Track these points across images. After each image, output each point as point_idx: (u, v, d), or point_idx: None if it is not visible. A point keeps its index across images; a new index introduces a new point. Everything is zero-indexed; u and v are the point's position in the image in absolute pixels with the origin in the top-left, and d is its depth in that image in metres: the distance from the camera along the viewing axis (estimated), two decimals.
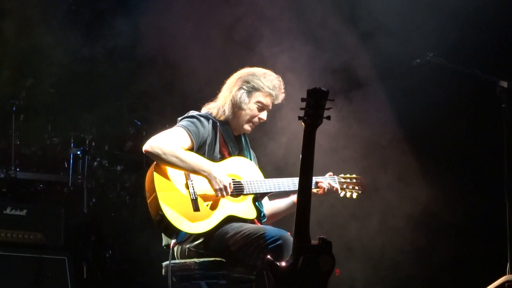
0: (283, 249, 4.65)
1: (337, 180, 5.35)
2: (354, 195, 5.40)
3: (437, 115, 7.46)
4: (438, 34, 7.25)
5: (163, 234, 4.96)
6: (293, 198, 5.20)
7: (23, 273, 6.82)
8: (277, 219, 5.32)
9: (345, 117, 7.18)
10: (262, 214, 5.07)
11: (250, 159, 5.21)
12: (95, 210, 7.90)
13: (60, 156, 8.00)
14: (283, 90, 5.16)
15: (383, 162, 7.28)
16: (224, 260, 4.84)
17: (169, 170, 4.87)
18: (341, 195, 5.39)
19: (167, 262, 4.93)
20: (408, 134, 7.49)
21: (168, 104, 7.65)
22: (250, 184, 5.03)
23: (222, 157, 5.08)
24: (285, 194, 5.21)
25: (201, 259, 4.88)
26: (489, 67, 6.14)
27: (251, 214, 5.00)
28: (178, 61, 7.59)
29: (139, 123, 8.25)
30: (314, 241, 4.38)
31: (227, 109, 5.11)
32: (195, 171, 4.87)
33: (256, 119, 5.14)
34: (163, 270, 5.01)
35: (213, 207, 4.89)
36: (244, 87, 5.10)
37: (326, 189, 5.23)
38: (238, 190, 4.99)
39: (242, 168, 5.10)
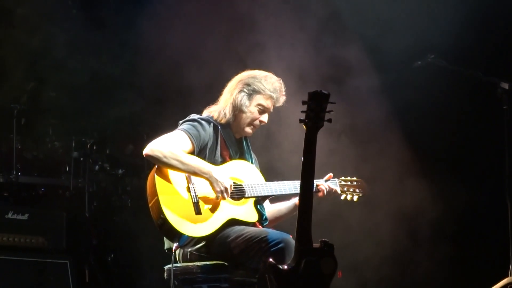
0: (285, 252, 4.65)
1: (337, 183, 5.36)
2: (355, 198, 5.41)
3: (438, 116, 7.46)
4: (439, 36, 7.25)
5: (165, 238, 4.96)
6: (295, 201, 5.20)
7: (25, 277, 6.82)
8: (279, 222, 5.32)
9: (345, 119, 7.17)
10: (263, 217, 5.07)
11: (251, 162, 5.21)
12: (96, 214, 7.89)
13: (62, 160, 7.99)
14: (284, 93, 5.16)
15: (383, 163, 7.27)
16: (226, 263, 4.85)
17: (171, 173, 4.87)
18: (342, 197, 5.40)
19: (169, 266, 4.93)
20: (409, 136, 7.49)
21: (170, 107, 7.65)
22: (252, 187, 5.03)
23: (223, 161, 5.08)
24: (286, 197, 5.22)
25: (203, 263, 4.88)
26: (490, 68, 6.14)
27: (253, 217, 5.01)
28: (179, 64, 7.59)
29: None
30: (316, 244, 4.38)
31: (228, 112, 5.11)
32: (196, 174, 4.87)
33: (257, 122, 5.14)
34: (165, 274, 5.01)
35: (215, 210, 4.89)
36: (245, 90, 5.10)
37: (326, 192, 5.24)
38: (239, 193, 4.99)
39: (243, 171, 5.10)
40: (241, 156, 5.20)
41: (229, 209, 4.94)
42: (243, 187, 5.02)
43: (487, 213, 7.19)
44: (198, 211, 4.82)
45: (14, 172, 7.50)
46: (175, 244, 4.84)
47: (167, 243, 4.98)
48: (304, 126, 4.40)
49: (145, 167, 7.78)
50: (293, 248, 4.43)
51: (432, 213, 7.44)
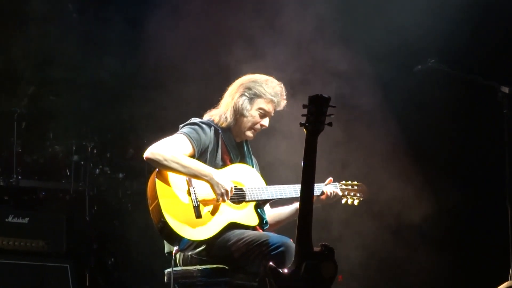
0: (285, 256, 4.66)
1: (338, 187, 5.37)
2: (356, 202, 5.43)
3: (439, 120, 7.46)
4: (439, 40, 7.25)
5: (165, 241, 4.96)
6: (296, 205, 5.20)
7: (26, 281, 6.81)
8: (280, 226, 5.33)
9: (345, 123, 7.17)
10: (264, 221, 5.07)
11: (252, 166, 5.22)
12: (97, 217, 7.89)
13: (62, 164, 7.98)
14: (285, 97, 5.17)
15: (383, 168, 7.27)
16: (226, 267, 4.85)
17: (171, 177, 4.87)
18: (343, 202, 5.41)
19: (169, 270, 4.93)
20: (409, 140, 7.49)
21: (170, 110, 7.65)
22: (252, 191, 5.03)
23: (224, 164, 5.08)
24: (287, 201, 5.22)
25: (204, 266, 4.89)
26: (491, 73, 6.14)
27: (253, 221, 5.01)
28: (180, 68, 7.60)
29: None
30: (316, 248, 4.38)
31: (229, 116, 5.11)
32: (197, 176, 4.87)
33: (258, 126, 5.14)
34: (166, 278, 5.01)
35: (215, 213, 4.89)
36: (246, 93, 5.10)
37: (328, 194, 5.25)
38: (240, 197, 4.99)
39: (244, 175, 5.10)
40: (242, 160, 5.20)
41: (230, 213, 4.94)
42: (243, 191, 5.02)
43: (487, 217, 7.18)
44: (198, 215, 4.82)
45: (15, 176, 7.50)
46: (175, 248, 4.83)
47: (167, 247, 4.98)
48: (304, 129, 4.40)
49: (146, 170, 7.78)
50: (294, 251, 4.43)
51: (432, 218, 7.43)
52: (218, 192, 4.86)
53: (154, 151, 4.84)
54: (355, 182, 5.47)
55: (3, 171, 7.51)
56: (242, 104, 5.09)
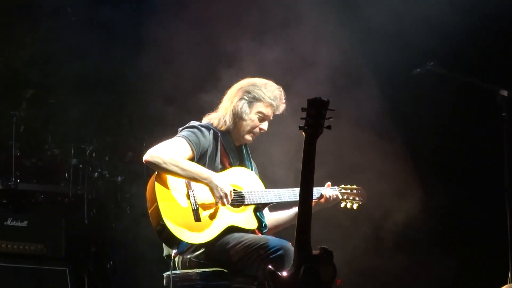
0: (284, 259, 4.65)
1: (337, 191, 5.36)
2: (355, 206, 5.42)
3: (437, 123, 7.46)
4: (438, 43, 7.26)
5: (164, 245, 4.96)
6: (296, 209, 5.19)
7: (24, 284, 6.82)
8: (279, 229, 5.32)
9: (343, 125, 7.17)
10: (263, 224, 5.07)
11: (251, 169, 5.22)
12: (95, 221, 7.88)
13: (61, 167, 7.98)
14: (284, 101, 5.17)
15: (380, 170, 7.27)
16: (225, 270, 4.85)
17: (170, 180, 4.87)
18: (342, 205, 5.41)
19: (168, 273, 4.93)
20: (407, 143, 7.49)
21: (169, 113, 7.65)
22: (251, 194, 5.03)
23: (223, 168, 5.08)
24: (287, 204, 5.21)
25: (202, 270, 4.88)
26: (490, 76, 6.14)
27: (252, 224, 5.00)
28: (179, 71, 7.60)
29: None
30: (315, 251, 4.37)
31: (228, 120, 5.11)
32: (196, 179, 4.87)
33: (257, 130, 5.15)
34: (164, 281, 5.00)
35: (214, 217, 4.89)
36: (245, 97, 5.10)
37: (328, 197, 5.25)
38: (239, 201, 4.99)
39: (243, 179, 5.10)
40: (241, 163, 5.20)
41: (229, 216, 4.94)
42: (242, 194, 5.02)
43: (486, 220, 7.18)
44: (197, 218, 4.82)
45: (13, 179, 7.49)
46: (174, 251, 4.83)
47: (166, 250, 4.98)
48: (303, 133, 4.40)
49: (144, 174, 7.78)
50: (292, 255, 4.42)
51: (431, 221, 7.44)
52: (217, 195, 4.86)
53: (153, 154, 4.85)
54: (354, 186, 5.46)
55: (2, 175, 7.51)
56: (241, 108, 5.09)
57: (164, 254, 5.01)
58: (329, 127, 4.40)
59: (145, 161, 4.87)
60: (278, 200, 5.09)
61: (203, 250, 4.88)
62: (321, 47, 7.33)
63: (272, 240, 4.79)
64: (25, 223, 7.06)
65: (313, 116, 4.37)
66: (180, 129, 5.10)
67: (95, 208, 7.97)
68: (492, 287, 5.61)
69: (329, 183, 5.35)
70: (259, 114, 5.12)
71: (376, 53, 7.37)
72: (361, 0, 7.45)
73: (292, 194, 5.08)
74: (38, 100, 7.91)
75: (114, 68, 7.99)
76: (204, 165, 4.98)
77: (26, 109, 7.79)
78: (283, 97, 5.18)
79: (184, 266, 5.00)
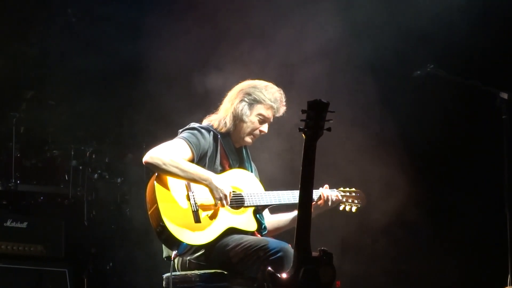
0: (283, 261, 4.65)
1: (336, 193, 5.36)
2: (354, 209, 5.42)
3: (437, 126, 7.46)
4: (438, 45, 7.26)
5: (164, 246, 4.96)
6: (296, 213, 5.19)
7: (24, 285, 6.82)
8: (279, 232, 5.32)
9: (342, 127, 7.18)
10: (262, 226, 5.07)
11: (251, 171, 5.22)
12: (95, 222, 7.89)
13: (61, 168, 7.98)
14: (284, 103, 5.17)
15: (380, 173, 7.27)
16: (225, 272, 4.85)
17: (170, 181, 4.87)
18: (340, 208, 5.41)
19: (168, 274, 4.92)
20: (407, 145, 7.49)
21: (169, 115, 7.66)
22: (251, 196, 5.04)
23: (223, 169, 5.09)
24: (287, 207, 5.21)
25: (202, 271, 4.88)
26: (490, 78, 6.14)
27: (252, 226, 5.01)
28: (180, 72, 7.61)
29: None
30: (314, 253, 4.37)
31: (228, 121, 5.11)
32: (196, 181, 4.87)
33: (257, 132, 5.15)
34: (164, 282, 5.00)
35: (214, 218, 4.89)
36: (246, 99, 5.11)
37: (327, 199, 5.24)
38: (238, 202, 4.99)
39: (243, 180, 5.10)
40: (241, 165, 5.20)
41: (228, 218, 4.94)
42: (242, 196, 5.02)
43: (485, 223, 7.18)
44: (197, 220, 4.83)
45: (13, 180, 7.50)
46: (174, 252, 4.83)
47: (166, 251, 4.98)
48: (303, 135, 4.40)
49: (144, 175, 7.78)
50: (292, 257, 4.42)
51: (430, 223, 7.44)
52: (217, 196, 4.87)
53: (153, 155, 4.85)
54: (353, 189, 5.46)
55: (1, 176, 7.51)
56: (241, 110, 5.10)
57: (164, 256, 5.01)
58: (329, 129, 4.40)
59: (145, 162, 4.87)
60: (278, 202, 5.09)
61: (203, 251, 4.88)
62: (319, 47, 7.34)
63: (272, 242, 4.79)
64: (24, 224, 7.06)
65: (313, 118, 4.37)
66: (180, 130, 5.11)
67: (94, 209, 7.97)
68: None
69: (326, 186, 5.34)
70: (260, 116, 5.12)
71: (376, 54, 7.36)
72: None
73: (292, 196, 5.08)
74: (38, 102, 7.91)
75: (114, 69, 7.99)
76: (204, 166, 4.98)
77: (26, 110, 7.79)
78: (284, 100, 5.18)
79: (183, 267, 5.00)
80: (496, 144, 5.81)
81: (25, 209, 7.56)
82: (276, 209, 5.25)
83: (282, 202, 5.10)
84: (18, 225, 7.03)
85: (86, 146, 8.05)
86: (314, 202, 5.21)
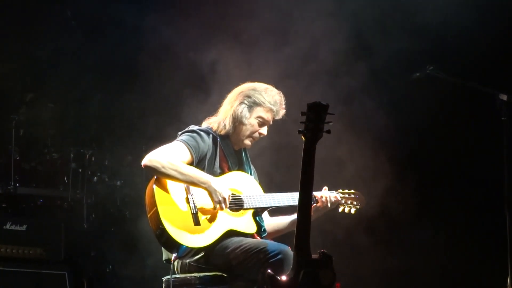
0: (283, 263, 4.65)
1: (335, 195, 5.36)
2: (353, 211, 5.42)
3: (437, 128, 7.47)
4: (438, 47, 7.26)
5: (163, 249, 4.95)
6: (296, 215, 5.18)
7: None
8: (279, 234, 5.31)
9: (341, 130, 7.18)
10: (262, 228, 5.06)
11: (250, 173, 5.22)
12: (95, 225, 7.88)
13: (60, 171, 7.98)
14: (284, 106, 5.17)
15: (380, 175, 7.27)
16: (224, 274, 4.84)
17: (169, 184, 4.87)
18: (340, 210, 5.40)
19: (167, 277, 4.92)
20: (406, 147, 7.49)
21: (168, 117, 7.66)
22: (250, 198, 5.03)
23: (222, 172, 5.08)
24: (287, 209, 5.20)
25: (202, 274, 4.88)
26: (489, 80, 6.15)
27: (251, 228, 5.00)
28: (178, 75, 7.61)
29: None
30: (314, 255, 4.37)
31: (228, 124, 5.11)
32: (195, 184, 4.87)
33: (256, 134, 5.14)
34: (164, 285, 5.00)
35: (214, 221, 4.89)
36: (245, 102, 5.10)
37: (326, 201, 5.24)
38: (238, 205, 4.99)
39: (242, 183, 5.10)
40: (240, 167, 5.20)
41: (228, 220, 4.93)
42: (241, 199, 5.01)
43: (485, 224, 7.18)
44: (197, 222, 4.82)
45: (13, 183, 7.50)
46: (174, 255, 4.82)
47: (165, 254, 4.98)
48: (302, 137, 4.39)
49: (144, 178, 7.78)
50: (292, 259, 4.42)
51: (430, 224, 7.44)
52: (216, 199, 4.86)
53: (152, 158, 4.84)
54: (352, 191, 5.46)
55: (1, 179, 7.51)
56: (241, 112, 5.09)
57: (164, 258, 5.01)
58: (328, 131, 4.39)
59: (144, 165, 4.87)
60: (277, 205, 5.08)
61: (203, 254, 4.87)
62: (318, 50, 7.34)
63: (272, 244, 4.78)
64: (24, 227, 7.06)
65: (313, 120, 4.36)
66: (179, 133, 5.10)
67: (94, 212, 7.97)
68: None
69: (325, 187, 5.34)
70: (259, 119, 5.12)
71: (375, 55, 7.36)
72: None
73: (291, 198, 5.07)
74: (38, 104, 7.91)
75: (114, 70, 8.00)
76: (203, 169, 4.98)
77: (26, 113, 7.79)
78: (283, 102, 5.18)
79: (183, 270, 4.99)
80: (496, 145, 5.81)
81: (25, 212, 7.56)
82: (276, 211, 5.24)
83: (281, 204, 5.09)
84: (18, 228, 7.03)
85: (86, 149, 8.04)
86: (314, 204, 5.21)
